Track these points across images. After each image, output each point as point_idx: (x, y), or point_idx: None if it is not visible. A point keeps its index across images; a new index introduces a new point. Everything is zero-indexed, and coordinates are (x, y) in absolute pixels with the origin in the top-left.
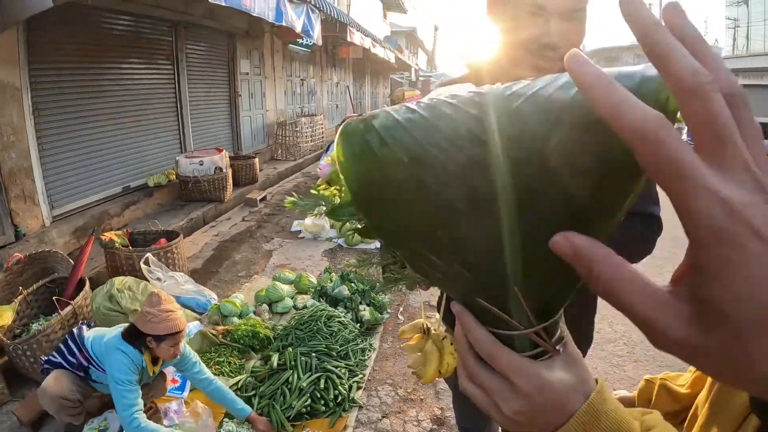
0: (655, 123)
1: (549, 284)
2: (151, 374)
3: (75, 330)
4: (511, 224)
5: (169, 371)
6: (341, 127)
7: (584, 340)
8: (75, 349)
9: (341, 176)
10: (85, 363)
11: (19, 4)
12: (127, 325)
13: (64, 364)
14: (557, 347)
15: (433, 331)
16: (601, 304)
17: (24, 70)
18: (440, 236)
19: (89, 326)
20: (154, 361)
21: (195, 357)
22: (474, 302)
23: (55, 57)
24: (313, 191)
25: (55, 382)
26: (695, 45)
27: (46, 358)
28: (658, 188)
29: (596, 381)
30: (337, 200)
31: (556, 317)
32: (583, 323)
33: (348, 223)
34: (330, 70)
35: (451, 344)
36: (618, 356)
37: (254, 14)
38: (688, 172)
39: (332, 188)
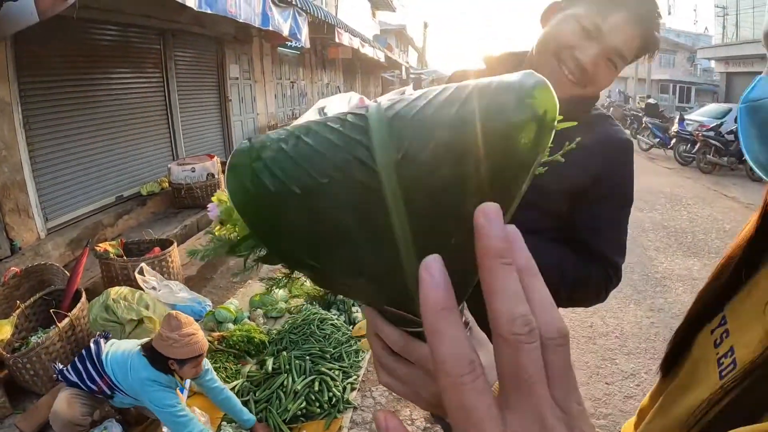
0: (461, 368)
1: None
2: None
3: (93, 348)
4: (407, 247)
5: None
6: (230, 160)
7: None
8: (95, 375)
9: (237, 211)
10: (108, 391)
11: (5, 21)
12: (143, 343)
13: (81, 386)
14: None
15: None
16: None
17: (13, 85)
18: (341, 258)
19: (107, 337)
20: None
21: (207, 364)
22: (383, 308)
23: (44, 70)
24: (209, 233)
25: (68, 407)
26: (525, 278)
27: (61, 367)
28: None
29: None
30: (234, 237)
31: (459, 308)
32: None
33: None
34: (320, 72)
35: None
36: (610, 350)
37: (240, 20)
38: (476, 420)
39: (225, 227)
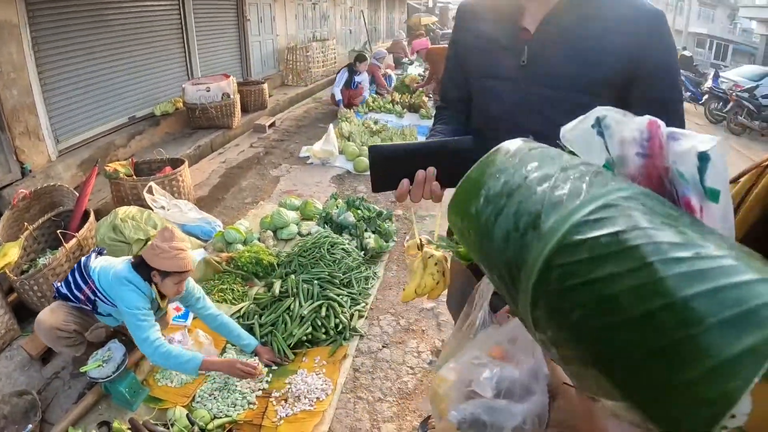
0: None
1: None
2: (163, 308)
3: (83, 260)
4: None
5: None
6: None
7: None
8: (81, 282)
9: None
10: (92, 296)
11: None
12: (133, 256)
13: (71, 298)
14: None
15: (425, 249)
16: None
17: (20, 6)
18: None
19: (101, 253)
20: (162, 295)
21: (199, 292)
22: None
23: None
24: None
25: (50, 314)
26: None
27: (58, 284)
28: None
29: None
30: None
31: None
32: None
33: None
34: None
35: (435, 264)
36: None
37: None
38: None
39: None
